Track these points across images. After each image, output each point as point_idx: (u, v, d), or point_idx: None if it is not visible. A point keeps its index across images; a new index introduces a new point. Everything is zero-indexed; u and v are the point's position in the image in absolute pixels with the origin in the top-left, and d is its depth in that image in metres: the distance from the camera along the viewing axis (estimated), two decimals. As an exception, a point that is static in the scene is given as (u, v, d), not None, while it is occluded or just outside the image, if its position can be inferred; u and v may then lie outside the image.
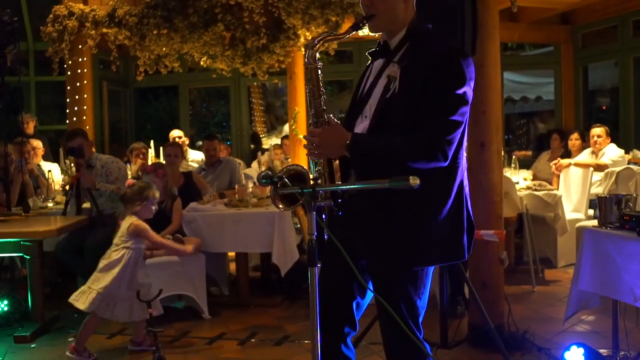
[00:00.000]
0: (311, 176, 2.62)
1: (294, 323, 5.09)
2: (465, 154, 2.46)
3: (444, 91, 2.29)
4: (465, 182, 2.45)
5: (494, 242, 4.27)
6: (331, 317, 2.49)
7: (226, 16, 7.21)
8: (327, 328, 2.34)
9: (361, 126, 2.49)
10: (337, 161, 2.52)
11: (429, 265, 2.44)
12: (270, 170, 6.72)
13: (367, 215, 2.39)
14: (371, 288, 2.41)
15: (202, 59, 7.82)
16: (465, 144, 2.44)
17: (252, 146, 11.31)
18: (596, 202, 6.96)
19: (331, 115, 2.48)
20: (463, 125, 2.34)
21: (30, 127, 8.24)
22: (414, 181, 1.61)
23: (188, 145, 8.44)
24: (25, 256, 4.93)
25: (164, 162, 7.69)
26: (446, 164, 2.30)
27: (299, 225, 2.66)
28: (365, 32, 5.57)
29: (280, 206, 2.48)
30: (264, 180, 2.35)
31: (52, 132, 10.76)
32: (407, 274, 2.39)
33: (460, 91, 2.30)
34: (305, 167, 2.75)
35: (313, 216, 1.98)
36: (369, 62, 2.62)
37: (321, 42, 2.47)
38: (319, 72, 2.48)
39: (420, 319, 2.46)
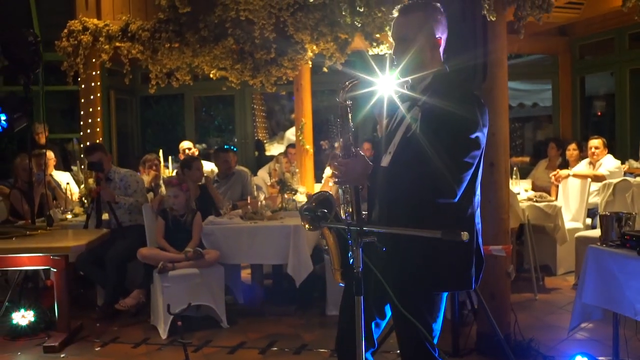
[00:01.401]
0: (340, 202, 2.90)
1: (310, 332, 5.34)
2: (479, 191, 2.70)
3: (458, 135, 2.54)
4: (478, 219, 2.70)
5: (502, 257, 4.52)
6: (352, 336, 2.75)
7: (236, 30, 7.42)
8: (349, 345, 2.60)
9: (385, 160, 2.79)
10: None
11: (438, 291, 2.69)
12: (281, 182, 7.01)
13: (384, 244, 2.63)
14: (396, 304, 2.62)
15: (212, 72, 8.04)
16: (479, 182, 2.68)
17: (256, 153, 11.52)
18: (594, 211, 7.29)
19: (358, 149, 2.76)
20: (474, 167, 2.59)
21: (42, 137, 8.43)
22: (464, 236, 1.85)
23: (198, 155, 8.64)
24: (52, 269, 5.13)
25: (174, 172, 7.94)
26: (455, 200, 2.55)
27: (327, 247, 2.92)
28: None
29: (307, 226, 2.74)
30: (306, 213, 2.61)
31: (58, 139, 10.94)
32: (422, 298, 2.65)
33: (473, 136, 2.56)
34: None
35: (360, 252, 2.21)
36: (399, 103, 2.88)
37: (353, 83, 2.73)
38: (349, 110, 2.74)
39: (436, 341, 2.71)
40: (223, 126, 16.79)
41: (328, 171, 8.20)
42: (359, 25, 5.74)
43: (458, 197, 2.53)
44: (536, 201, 6.78)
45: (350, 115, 2.74)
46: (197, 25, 7.43)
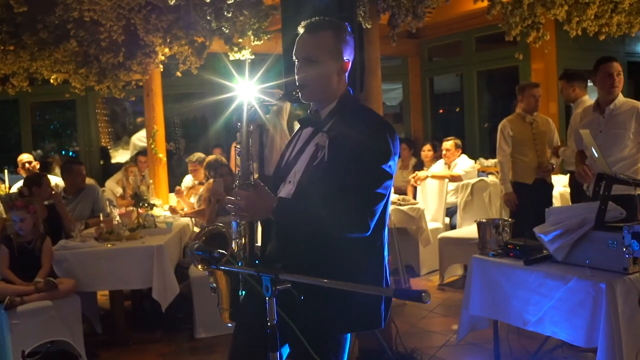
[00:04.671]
0: (232, 236, 2.60)
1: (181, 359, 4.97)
2: (388, 225, 2.52)
3: (370, 165, 2.34)
4: (386, 253, 2.51)
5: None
6: None
7: (79, 32, 6.81)
8: None
9: (284, 191, 2.51)
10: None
11: (347, 332, 2.48)
12: (136, 196, 6.52)
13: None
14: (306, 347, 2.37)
15: (53, 77, 7.34)
16: (388, 216, 2.50)
17: (101, 162, 10.80)
18: (453, 210, 7.47)
19: (257, 179, 2.47)
20: (386, 198, 2.40)
21: None
22: (425, 298, 1.62)
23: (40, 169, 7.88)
24: None
25: (12, 188, 7.19)
26: (368, 234, 2.35)
27: (214, 285, 2.61)
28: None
29: (200, 267, 2.43)
30: (199, 253, 2.29)
31: None
32: (328, 341, 2.42)
33: (386, 165, 2.36)
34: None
35: (273, 302, 1.94)
36: (298, 128, 2.64)
37: (258, 105, 2.48)
38: (250, 137, 2.46)
39: None
40: (61, 131, 15.68)
41: (187, 181, 7.80)
42: (226, 30, 5.38)
43: (371, 230, 2.32)
44: (400, 205, 6.82)
45: (251, 142, 2.45)
46: (35, 26, 6.72)
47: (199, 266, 2.36)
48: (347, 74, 2.52)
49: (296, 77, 2.48)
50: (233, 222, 2.53)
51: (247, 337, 2.52)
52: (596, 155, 3.66)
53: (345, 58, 2.48)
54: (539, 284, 3.43)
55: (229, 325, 2.63)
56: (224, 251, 2.19)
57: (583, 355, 3.92)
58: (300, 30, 2.49)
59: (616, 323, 3.12)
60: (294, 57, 2.50)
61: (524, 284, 3.53)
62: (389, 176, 2.37)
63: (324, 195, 2.34)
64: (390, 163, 2.37)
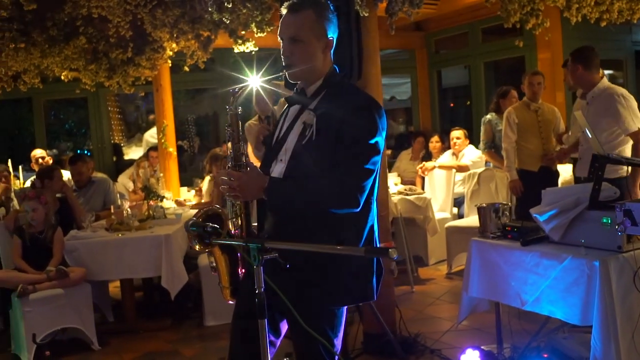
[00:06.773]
0: (228, 216, 2.67)
1: (189, 346, 5.06)
2: (376, 199, 2.58)
3: (357, 141, 2.39)
4: (376, 227, 2.57)
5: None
6: (245, 358, 2.55)
7: (88, 29, 6.93)
8: None
9: (277, 169, 2.56)
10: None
11: (341, 306, 2.54)
12: (146, 188, 6.61)
13: (282, 258, 2.44)
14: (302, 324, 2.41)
15: (63, 74, 7.47)
16: (377, 190, 2.55)
17: (114, 158, 10.94)
18: (460, 201, 7.50)
19: (249, 159, 2.54)
20: (375, 173, 2.45)
21: None
22: (393, 253, 1.69)
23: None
24: None
25: (26, 183, 7.32)
26: (358, 209, 2.41)
27: (214, 264, 2.68)
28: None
29: (197, 247, 2.51)
30: (193, 229, 2.37)
31: None
32: (323, 315, 2.48)
33: (373, 141, 2.41)
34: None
35: (260, 270, 2.01)
36: (285, 107, 2.70)
37: (243, 89, 2.53)
38: (238, 117, 2.53)
39: (337, 357, 2.54)
40: (75, 130, 15.85)
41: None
42: (227, 22, 5.46)
43: (361, 206, 2.39)
44: (406, 194, 6.86)
45: (239, 122, 2.52)
46: (44, 23, 6.85)
47: (197, 246, 2.44)
48: (332, 51, 2.56)
49: (282, 57, 2.54)
50: (228, 202, 2.61)
51: (245, 317, 2.57)
52: (590, 136, 3.70)
53: (329, 36, 2.52)
54: (535, 264, 3.48)
55: (231, 302, 2.70)
56: (216, 225, 2.26)
57: (583, 336, 3.94)
58: (284, 10, 2.53)
59: (610, 301, 3.16)
60: (279, 38, 2.54)
61: (521, 265, 3.58)
62: (377, 152, 2.42)
63: (313, 173, 2.40)
64: (377, 139, 2.42)
